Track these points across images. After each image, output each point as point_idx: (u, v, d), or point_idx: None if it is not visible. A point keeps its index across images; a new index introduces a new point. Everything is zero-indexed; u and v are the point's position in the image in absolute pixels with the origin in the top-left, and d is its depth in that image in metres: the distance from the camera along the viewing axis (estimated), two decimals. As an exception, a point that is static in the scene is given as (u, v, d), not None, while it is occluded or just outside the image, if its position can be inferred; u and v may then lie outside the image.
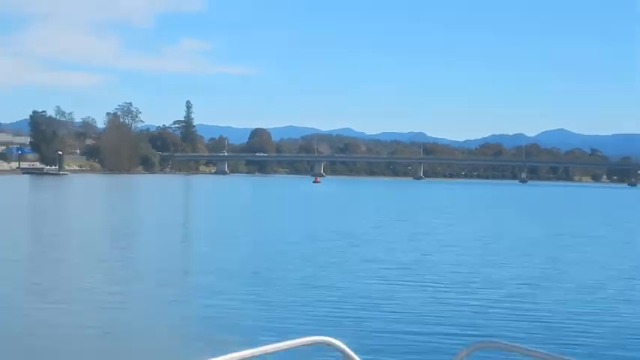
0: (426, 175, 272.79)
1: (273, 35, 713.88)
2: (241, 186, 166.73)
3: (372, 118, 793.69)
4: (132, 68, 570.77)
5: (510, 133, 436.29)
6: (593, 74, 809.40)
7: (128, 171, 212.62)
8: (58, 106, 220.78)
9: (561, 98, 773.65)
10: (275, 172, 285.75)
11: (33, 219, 68.86)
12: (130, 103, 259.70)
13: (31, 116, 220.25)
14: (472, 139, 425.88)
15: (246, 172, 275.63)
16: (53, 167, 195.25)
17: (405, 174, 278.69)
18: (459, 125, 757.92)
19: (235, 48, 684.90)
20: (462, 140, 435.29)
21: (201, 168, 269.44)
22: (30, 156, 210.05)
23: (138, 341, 20.96)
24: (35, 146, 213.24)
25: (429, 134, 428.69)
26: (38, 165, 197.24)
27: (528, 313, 25.55)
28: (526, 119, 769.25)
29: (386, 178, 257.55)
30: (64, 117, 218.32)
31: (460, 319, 23.16)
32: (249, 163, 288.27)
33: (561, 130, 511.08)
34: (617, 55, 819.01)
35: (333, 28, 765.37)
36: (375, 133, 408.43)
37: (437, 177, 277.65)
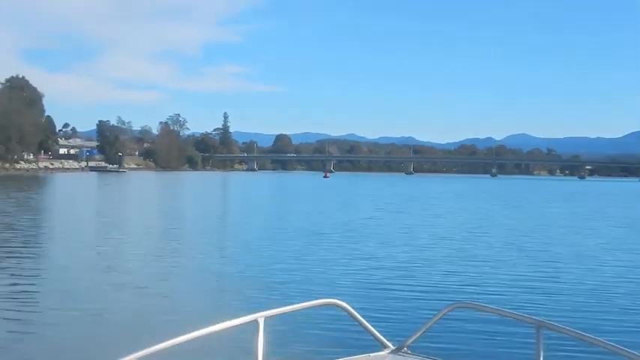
0: (415, 170, 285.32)
1: (293, 61, 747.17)
2: (267, 179, 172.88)
3: (371, 125, 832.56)
4: (182, 87, 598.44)
5: (482, 137, 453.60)
6: (547, 87, 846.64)
7: (176, 168, 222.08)
8: (119, 117, 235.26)
9: (523, 107, 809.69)
10: (294, 169, 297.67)
11: (101, 203, 73.92)
12: (179, 115, 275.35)
13: (97, 124, 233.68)
14: (451, 141, 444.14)
15: (272, 169, 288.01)
16: (115, 166, 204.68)
17: (398, 170, 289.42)
18: (441, 130, 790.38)
19: (264, 71, 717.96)
20: (443, 143, 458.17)
21: (236, 166, 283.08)
22: (97, 157, 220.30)
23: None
24: (101, 148, 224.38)
25: (417, 138, 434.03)
26: (103, 164, 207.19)
27: (503, 278, 25.87)
28: (495, 125, 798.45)
29: (382, 173, 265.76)
30: (124, 125, 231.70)
31: (445, 285, 23.39)
32: (274, 161, 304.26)
33: (523, 134, 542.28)
34: (570, 70, 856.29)
35: (339, 56, 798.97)
36: (374, 138, 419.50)
37: (423, 172, 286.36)
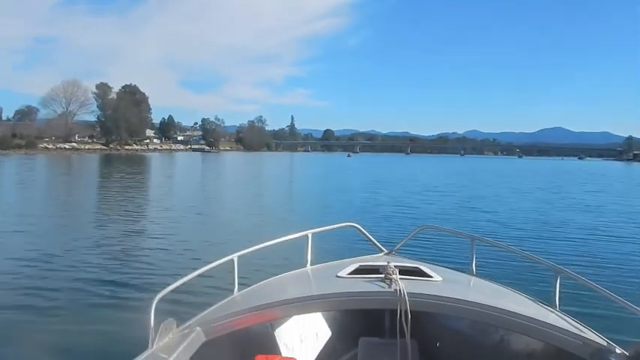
0: (412, 151, 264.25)
1: (336, 87, 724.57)
2: (317, 157, 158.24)
3: (382, 122, 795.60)
4: (271, 102, 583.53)
5: (450, 131, 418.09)
6: (491, 94, 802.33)
7: (257, 150, 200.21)
8: (216, 116, 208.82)
9: (475, 109, 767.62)
10: (336, 151, 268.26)
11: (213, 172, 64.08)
12: (261, 116, 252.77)
13: (201, 120, 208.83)
14: (431, 134, 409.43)
15: (321, 151, 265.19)
16: (212, 148, 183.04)
17: (400, 151, 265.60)
18: (425, 126, 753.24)
19: (319, 93, 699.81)
20: (427, 134, 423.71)
21: (298, 149, 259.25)
22: (201, 142, 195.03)
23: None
24: (203, 136, 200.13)
25: (411, 132, 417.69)
26: (205, 147, 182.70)
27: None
28: (455, 123, 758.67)
29: (390, 154, 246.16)
30: (219, 121, 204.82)
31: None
32: (322, 146, 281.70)
33: (474, 130, 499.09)
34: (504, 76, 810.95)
35: (363, 78, 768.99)
36: (385, 132, 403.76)
37: (415, 153, 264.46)
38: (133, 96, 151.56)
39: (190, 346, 2.77)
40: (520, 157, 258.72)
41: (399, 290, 3.09)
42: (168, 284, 2.97)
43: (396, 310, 3.07)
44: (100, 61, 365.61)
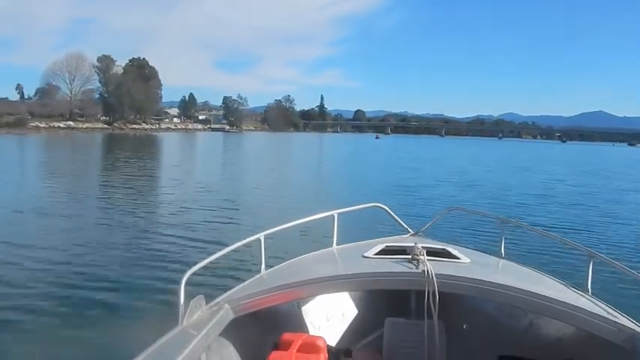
0: (446, 134, 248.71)
1: (368, 66, 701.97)
2: (345, 138, 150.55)
3: (415, 104, 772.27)
4: (302, 82, 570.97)
5: (485, 114, 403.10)
6: (537, 66, 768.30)
7: (283, 131, 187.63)
8: (239, 94, 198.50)
9: (514, 92, 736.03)
10: (366, 132, 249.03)
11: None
12: (289, 95, 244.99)
13: (223, 98, 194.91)
14: (468, 115, 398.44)
15: (351, 132, 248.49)
16: (234, 128, 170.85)
17: (434, 133, 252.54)
18: (461, 108, 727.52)
19: (350, 73, 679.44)
20: (462, 117, 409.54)
21: (328, 129, 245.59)
22: (223, 121, 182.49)
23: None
24: (225, 116, 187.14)
25: (445, 114, 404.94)
26: (226, 127, 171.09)
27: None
28: (492, 106, 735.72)
29: (423, 135, 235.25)
30: (241, 100, 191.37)
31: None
32: (352, 127, 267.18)
33: (511, 113, 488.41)
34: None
35: (397, 59, 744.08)
36: (418, 113, 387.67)
37: (450, 135, 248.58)
38: (140, 70, 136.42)
39: (219, 322, 2.82)
40: (563, 141, 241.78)
41: (427, 271, 3.05)
42: (197, 263, 3.00)
43: (423, 291, 3.04)
44: (136, 42, 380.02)
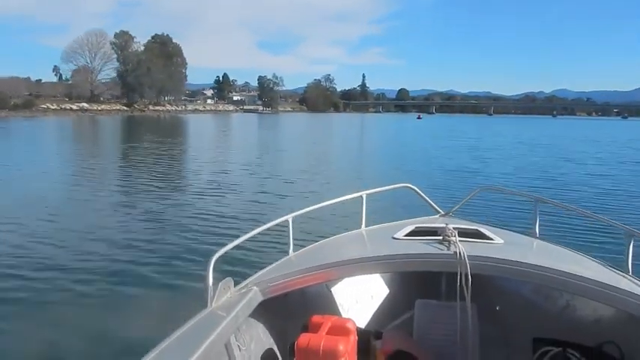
0: (495, 112, 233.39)
1: (412, 44, 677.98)
2: (386, 118, 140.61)
3: (461, 82, 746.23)
4: (346, 62, 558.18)
5: (536, 90, 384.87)
6: (590, 39, 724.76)
7: (323, 111, 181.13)
8: (274, 74, 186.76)
9: (563, 67, 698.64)
10: (410, 112, 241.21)
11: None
12: (329, 75, 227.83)
13: (258, 78, 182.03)
14: (517, 93, 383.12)
15: (394, 112, 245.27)
16: (265, 109, 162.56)
17: (481, 112, 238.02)
18: (508, 85, 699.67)
19: (394, 50, 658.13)
20: (511, 94, 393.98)
21: (369, 110, 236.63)
22: (258, 102, 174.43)
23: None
24: (260, 96, 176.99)
25: (493, 92, 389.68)
26: (259, 108, 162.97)
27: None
28: (543, 82, 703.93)
29: (470, 115, 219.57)
30: (277, 79, 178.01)
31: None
32: (396, 106, 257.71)
33: (564, 89, 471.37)
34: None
35: (443, 37, 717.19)
36: (464, 92, 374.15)
37: (500, 114, 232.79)
38: (164, 47, 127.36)
39: (248, 305, 2.80)
40: (625, 117, 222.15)
41: (459, 252, 2.99)
42: (225, 245, 2.97)
43: (455, 272, 2.98)
44: (180, 24, 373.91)
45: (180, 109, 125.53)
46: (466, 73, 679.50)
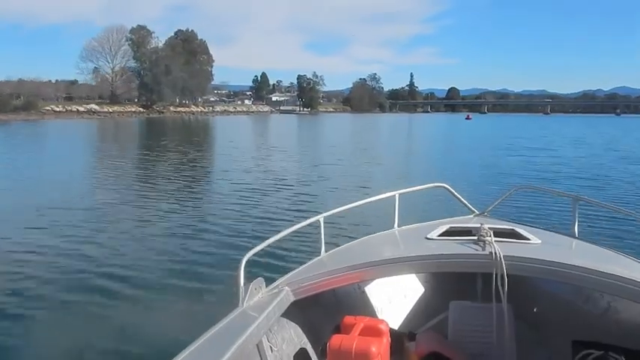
0: (551, 111, 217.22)
1: (464, 43, 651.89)
2: (434, 118, 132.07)
3: (514, 80, 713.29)
4: (396, 63, 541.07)
5: (594, 88, 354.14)
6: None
7: (367, 112, 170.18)
8: (314, 72, 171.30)
9: (623, 65, 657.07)
10: (460, 111, 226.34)
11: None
12: (375, 73, 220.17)
13: (297, 77, 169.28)
14: (574, 91, 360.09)
15: (444, 111, 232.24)
16: (301, 109, 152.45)
17: (536, 111, 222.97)
18: (565, 83, 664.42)
19: (446, 49, 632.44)
20: (567, 92, 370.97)
21: (418, 109, 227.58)
22: (298, 102, 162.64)
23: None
24: (299, 97, 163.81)
25: (548, 90, 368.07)
26: (297, 108, 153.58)
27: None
28: (602, 79, 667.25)
29: (524, 114, 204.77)
30: (317, 79, 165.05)
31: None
32: (446, 106, 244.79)
33: (624, 87, 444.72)
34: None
35: (494, 35, 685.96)
36: (518, 90, 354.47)
37: (557, 113, 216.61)
38: (187, 44, 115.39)
39: (280, 305, 2.76)
40: None
41: (495, 253, 2.89)
42: (256, 245, 2.93)
43: (490, 273, 2.89)
44: (230, 27, 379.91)
45: (207, 110, 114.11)
46: (519, 71, 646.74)
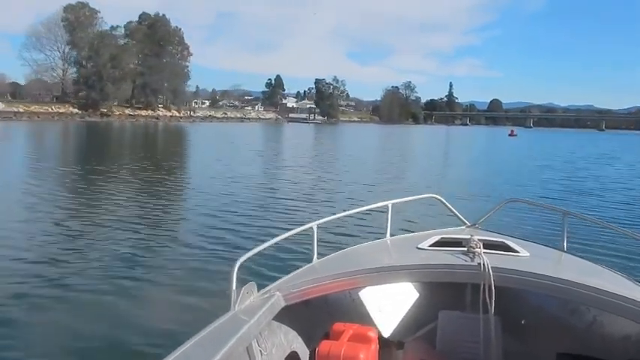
0: (606, 127, 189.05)
1: (508, 55, 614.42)
2: (472, 132, 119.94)
3: (561, 94, 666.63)
4: (438, 74, 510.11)
5: None
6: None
7: (398, 123, 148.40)
8: (335, 76, 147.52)
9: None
10: (503, 124, 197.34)
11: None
12: (410, 82, 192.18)
13: (315, 82, 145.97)
14: (626, 106, 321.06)
15: (484, 124, 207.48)
16: (322, 117, 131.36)
17: (585, 127, 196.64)
18: (615, 98, 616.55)
19: (490, 62, 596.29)
20: (617, 108, 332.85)
21: (456, 121, 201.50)
22: (317, 110, 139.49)
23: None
24: (317, 103, 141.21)
25: (596, 105, 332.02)
26: (309, 116, 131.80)
27: None
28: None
29: (573, 130, 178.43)
30: (337, 84, 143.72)
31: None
32: (487, 118, 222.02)
33: None
34: None
35: (539, 47, 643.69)
36: (564, 104, 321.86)
37: (608, 129, 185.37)
38: (154, 32, 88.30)
39: (271, 309, 2.72)
40: None
41: (483, 264, 2.86)
42: (249, 250, 2.88)
43: (479, 284, 2.86)
44: (275, 33, 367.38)
45: (182, 115, 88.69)
46: (566, 85, 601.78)
